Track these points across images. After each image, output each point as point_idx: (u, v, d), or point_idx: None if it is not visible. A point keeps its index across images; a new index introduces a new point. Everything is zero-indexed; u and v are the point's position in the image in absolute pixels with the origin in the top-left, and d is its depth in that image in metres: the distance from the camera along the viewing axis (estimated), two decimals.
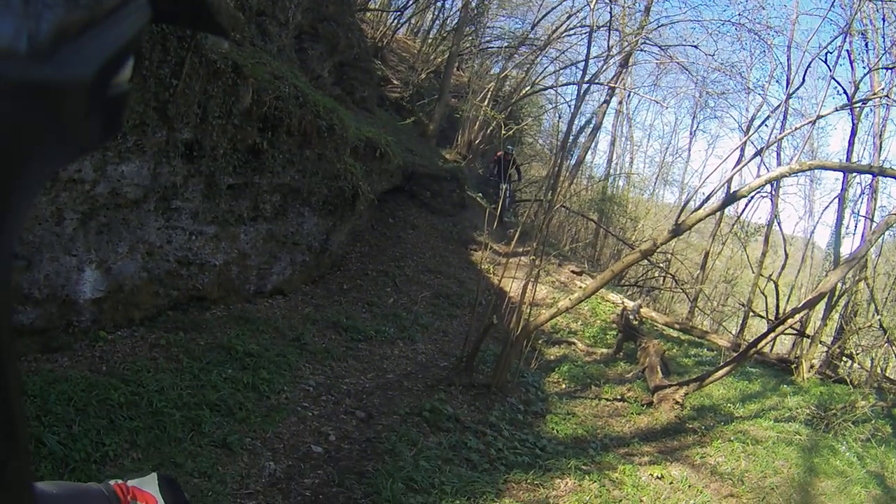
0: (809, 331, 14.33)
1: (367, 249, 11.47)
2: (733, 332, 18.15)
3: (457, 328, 10.01)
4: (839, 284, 12.13)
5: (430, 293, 10.93)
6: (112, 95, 0.37)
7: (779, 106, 15.62)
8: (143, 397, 4.73)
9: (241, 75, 6.16)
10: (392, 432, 5.87)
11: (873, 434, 9.30)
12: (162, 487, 1.28)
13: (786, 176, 8.59)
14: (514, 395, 7.84)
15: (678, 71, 21.57)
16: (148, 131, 5.22)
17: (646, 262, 13.95)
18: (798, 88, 15.03)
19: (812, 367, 12.97)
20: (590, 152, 24.31)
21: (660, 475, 6.62)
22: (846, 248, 18.09)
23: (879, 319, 12.77)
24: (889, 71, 13.93)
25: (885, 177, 8.68)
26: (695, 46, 18.05)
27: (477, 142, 18.19)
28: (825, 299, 12.27)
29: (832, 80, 12.43)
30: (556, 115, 25.56)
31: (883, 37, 14.57)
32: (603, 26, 17.73)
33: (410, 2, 19.99)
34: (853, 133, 15.84)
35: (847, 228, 17.95)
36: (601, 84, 18.69)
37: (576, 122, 18.59)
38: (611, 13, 17.62)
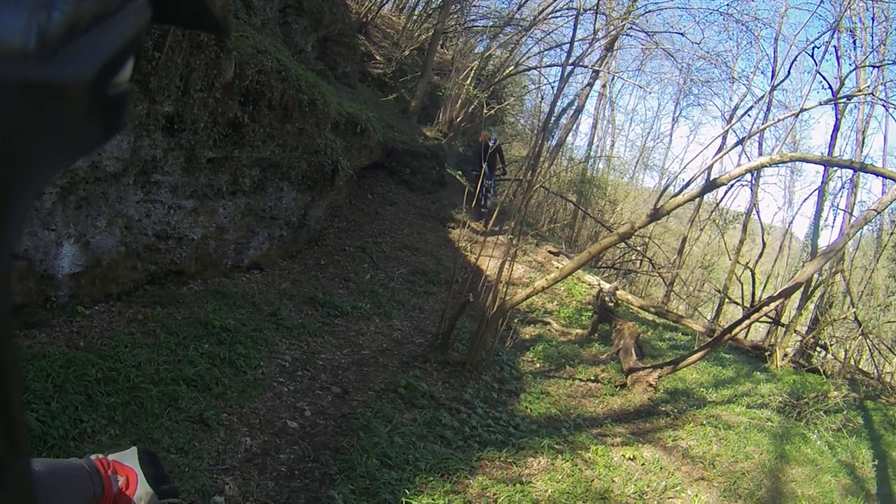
0: (784, 320, 14.63)
1: (345, 225, 11.45)
2: (708, 317, 18.44)
3: (433, 305, 10.06)
4: (816, 275, 12.37)
5: (406, 270, 10.96)
6: (112, 95, 0.38)
7: (763, 97, 15.77)
8: (120, 373, 4.73)
9: (223, 49, 6.09)
10: (367, 408, 5.92)
11: (845, 424, 9.52)
12: (142, 461, 1.30)
13: (767, 166, 8.69)
14: (489, 373, 7.91)
15: (663, 57, 21.49)
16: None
17: (623, 244, 14.04)
18: (783, 81, 15.16)
19: (786, 355, 13.25)
20: (571, 134, 24.31)
21: (632, 456, 6.75)
22: (824, 240, 18.42)
23: (855, 312, 13.04)
24: (875, 69, 14.08)
25: (866, 173, 8.81)
26: (681, 34, 18.07)
27: (458, 120, 18.11)
28: (801, 289, 12.49)
29: (818, 75, 12.54)
30: (540, 95, 25.53)
31: (871, 35, 14.75)
32: (590, 9, 17.66)
33: None
34: (836, 128, 16.08)
35: (826, 221, 18.30)
36: (585, 67, 18.70)
37: (558, 103, 18.56)
38: None
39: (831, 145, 16.35)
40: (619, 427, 7.66)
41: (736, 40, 20.57)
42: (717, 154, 10.71)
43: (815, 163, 10.15)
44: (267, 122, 7.27)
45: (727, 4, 17.91)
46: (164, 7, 0.42)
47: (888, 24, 14.57)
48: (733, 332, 9.47)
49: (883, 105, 13.99)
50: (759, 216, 17.93)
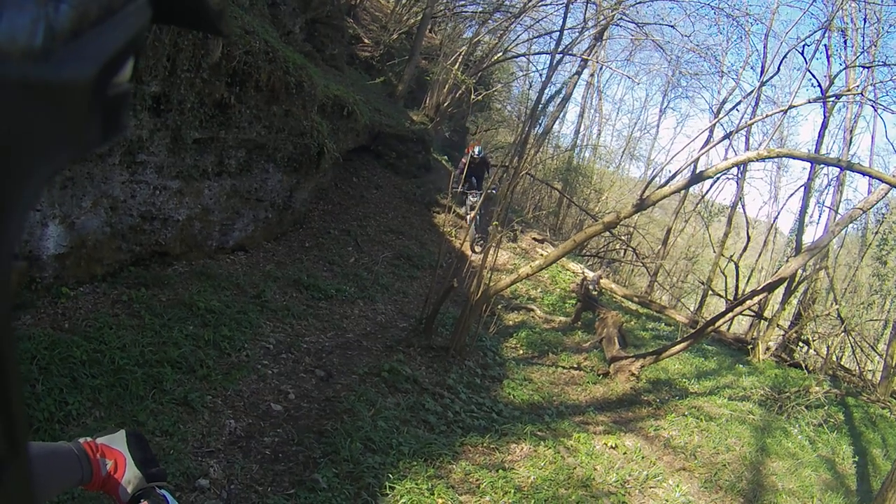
0: (767, 314, 14.79)
1: (331, 208, 11.41)
2: (691, 308, 18.59)
3: (417, 290, 10.08)
4: (800, 271, 12.48)
5: (391, 254, 10.96)
6: (112, 95, 0.37)
7: (752, 92, 15.84)
8: (105, 355, 4.71)
9: None
10: (351, 392, 5.94)
11: (826, 420, 9.67)
12: (130, 444, 1.31)
13: (753, 161, 8.75)
14: (472, 358, 7.95)
15: (652, 48, 21.58)
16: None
17: (608, 233, 14.12)
18: (772, 77, 15.24)
19: (768, 349, 13.41)
20: (557, 122, 24.35)
21: (614, 445, 6.82)
22: (809, 236, 18.65)
23: (838, 309, 13.19)
24: (865, 70, 14.17)
25: (853, 171, 8.90)
26: (671, 26, 18.07)
27: (445, 105, 18.06)
28: (785, 284, 12.61)
29: (807, 73, 12.62)
30: (528, 83, 25.53)
31: (863, 36, 14.85)
32: None
33: None
34: (824, 126, 16.19)
35: (811, 217, 18.42)
36: (574, 55, 18.67)
37: (546, 91, 18.56)
38: None
39: (818, 143, 16.47)
40: (601, 415, 7.73)
41: (726, 34, 20.68)
42: (704, 147, 10.77)
43: (803, 159, 10.24)
44: (253, 104, 7.21)
45: None
46: (164, 7, 0.42)
47: (879, 26, 14.67)
48: (716, 324, 9.58)
49: (871, 105, 14.13)
50: (744, 210, 18.08)
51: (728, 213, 20.02)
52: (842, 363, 14.39)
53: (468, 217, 12.08)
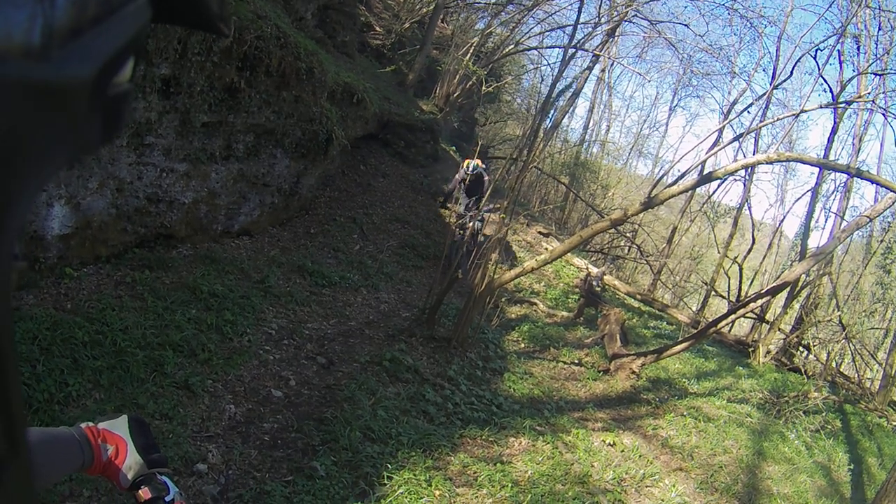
0: (769, 317, 14.78)
1: (337, 195, 11.39)
2: (693, 308, 18.59)
3: (421, 279, 10.07)
4: (803, 276, 12.46)
5: (396, 243, 10.94)
6: (112, 95, 0.37)
7: (764, 94, 15.81)
8: (107, 336, 4.71)
9: None
10: (352, 380, 5.95)
11: (823, 426, 9.67)
12: (131, 429, 1.31)
13: (763, 164, 8.70)
14: (474, 350, 7.95)
15: (665, 46, 21.46)
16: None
17: (613, 230, 14.12)
18: (785, 80, 15.18)
19: (768, 352, 13.42)
20: (567, 116, 24.28)
21: (612, 442, 6.83)
22: (814, 241, 18.59)
23: (839, 315, 13.18)
24: (877, 77, 14.12)
25: (861, 179, 8.86)
26: (685, 25, 18.03)
27: (455, 95, 18.01)
28: (788, 288, 12.60)
29: (820, 78, 12.58)
30: (539, 76, 25.49)
31: (876, 43, 14.82)
32: None
33: None
34: (833, 131, 16.17)
35: (816, 222, 18.42)
36: (586, 51, 18.60)
37: (557, 85, 18.50)
38: None
39: (828, 148, 16.44)
40: (600, 412, 7.74)
41: (739, 35, 20.58)
42: (713, 147, 10.73)
43: (813, 164, 10.19)
44: (263, 89, 7.20)
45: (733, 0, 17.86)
46: (164, 6, 0.42)
47: (893, 35, 14.61)
48: (718, 326, 9.56)
49: (882, 113, 14.04)
50: (750, 212, 18.01)
51: (734, 215, 19.98)
52: (841, 370, 14.41)
53: (459, 235, 10.52)
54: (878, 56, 14.68)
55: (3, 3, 0.29)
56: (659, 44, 21.56)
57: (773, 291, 9.83)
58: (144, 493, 1.30)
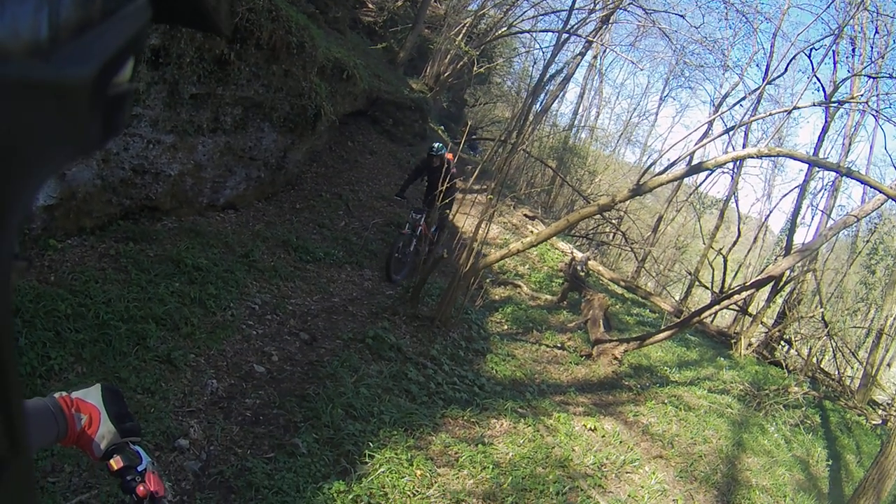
0: (752, 310, 14.91)
1: (324, 171, 11.34)
2: (677, 297, 18.72)
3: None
4: (788, 271, 12.59)
5: (381, 220, 10.92)
6: (113, 95, 0.37)
7: (758, 89, 15.86)
8: (89, 309, 4.67)
9: None
10: (335, 357, 5.95)
11: (802, 420, 9.83)
12: (105, 398, 1.31)
13: (753, 157, 8.76)
14: (457, 330, 7.98)
15: (658, 36, 21.42)
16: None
17: (599, 216, 14.18)
18: (779, 77, 15.26)
19: (750, 344, 13.59)
20: (557, 101, 24.26)
21: (593, 427, 6.88)
22: (799, 238, 18.79)
23: (822, 312, 13.35)
24: (870, 79, 14.21)
25: (851, 178, 8.93)
26: (681, 15, 18.00)
27: (446, 75, 17.95)
28: (772, 283, 12.73)
29: (814, 77, 12.65)
30: (531, 59, 25.44)
31: (871, 46, 14.91)
32: None
33: None
34: (824, 130, 16.31)
35: (803, 219, 18.59)
36: (580, 36, 18.54)
37: (550, 69, 18.47)
38: None
39: (817, 146, 16.56)
40: (582, 397, 7.79)
41: (734, 29, 20.57)
42: (703, 139, 10.77)
43: (803, 161, 10.25)
44: (253, 62, 7.12)
45: None
46: (164, 6, 0.42)
47: (889, 39, 14.70)
48: (702, 316, 9.63)
49: (873, 115, 14.17)
50: (737, 205, 18.14)
51: (721, 207, 20.10)
52: (822, 366, 14.59)
53: (403, 233, 9.01)
54: (873, 59, 14.78)
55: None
56: (653, 33, 21.54)
57: (758, 284, 9.92)
58: (116, 461, 1.31)
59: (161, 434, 4.00)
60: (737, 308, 13.97)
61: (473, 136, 20.31)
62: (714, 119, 17.39)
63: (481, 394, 6.65)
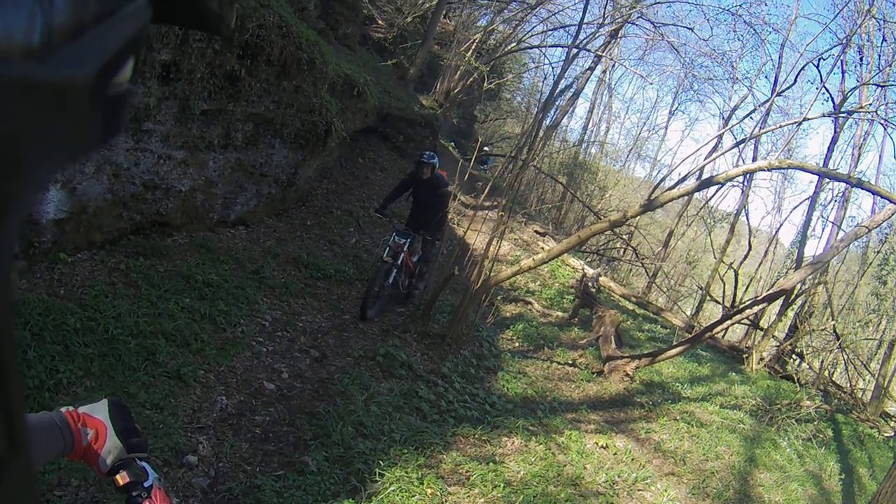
0: (763, 324, 14.78)
1: (334, 187, 11.34)
2: (688, 312, 18.60)
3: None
4: (799, 284, 12.50)
5: None
6: (112, 95, 0.37)
7: (767, 101, 15.83)
8: (99, 323, 4.65)
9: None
10: (345, 374, 5.91)
11: (815, 435, 9.69)
12: (112, 413, 1.30)
13: (764, 170, 8.71)
14: (468, 348, 7.93)
15: (667, 49, 21.48)
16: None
17: (610, 231, 14.15)
18: (788, 88, 15.24)
19: (762, 359, 13.44)
20: (567, 116, 24.30)
21: (605, 445, 6.80)
22: (810, 250, 18.66)
23: (834, 325, 13.21)
24: (879, 88, 14.16)
25: (861, 189, 8.86)
26: (689, 28, 18.05)
27: (456, 91, 18.01)
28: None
29: (822, 87, 12.60)
30: (541, 75, 25.57)
31: (879, 54, 14.88)
32: None
33: None
34: (834, 141, 16.24)
35: (813, 231, 18.48)
36: (589, 51, 18.59)
37: (560, 84, 18.50)
38: None
39: (827, 157, 16.52)
40: (593, 414, 7.71)
41: (742, 41, 20.59)
42: (712, 152, 10.73)
43: (813, 173, 10.19)
44: (264, 78, 7.14)
45: (738, 5, 17.88)
46: (164, 6, 0.42)
47: None
48: (713, 332, 9.55)
49: (883, 125, 14.10)
50: (747, 218, 18.03)
51: (731, 221, 20.01)
52: (834, 379, 14.44)
53: (383, 259, 7.66)
54: (881, 67, 14.73)
55: (2, 3, 0.28)
56: (661, 47, 21.62)
57: (770, 299, 9.83)
58: (122, 477, 1.29)
59: (170, 450, 3.96)
60: (748, 322, 13.86)
61: (485, 148, 20.33)
62: (724, 132, 17.37)
63: (492, 412, 6.58)
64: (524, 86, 29.02)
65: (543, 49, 22.07)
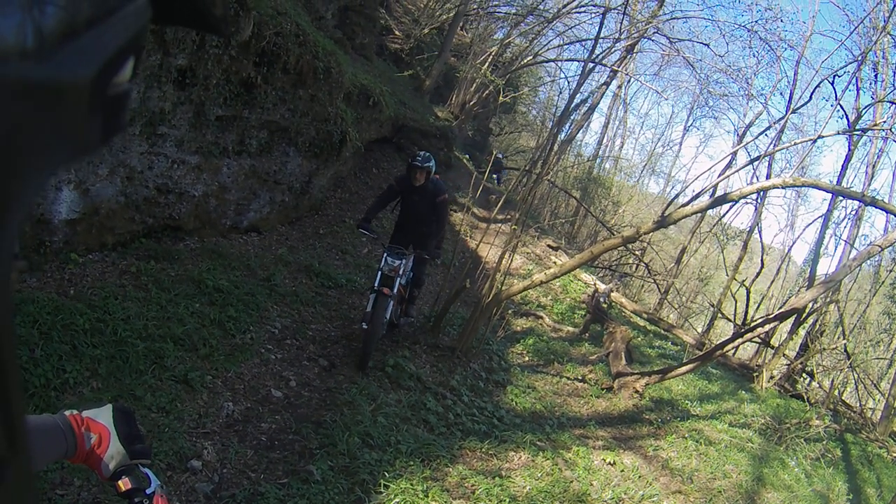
0: (774, 342, 14.66)
1: (348, 196, 11.37)
2: (699, 329, 18.47)
3: (427, 287, 9.98)
4: (811, 303, 12.41)
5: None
6: (112, 95, 0.37)
7: (781, 118, 15.76)
8: (108, 325, 4.65)
9: (243, 6, 5.99)
10: (353, 384, 5.88)
11: (823, 454, 9.58)
12: (116, 419, 1.30)
13: (778, 188, 8.65)
14: (478, 361, 7.88)
15: (682, 65, 21.47)
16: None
17: (622, 247, 14.09)
18: (803, 105, 15.18)
19: (772, 377, 13.34)
20: (581, 131, 24.31)
21: (612, 461, 6.72)
22: (822, 268, 18.52)
23: (845, 344, 13.10)
24: (893, 105, 14.10)
25: (875, 207, 8.78)
26: (705, 44, 18.02)
27: (471, 104, 18.07)
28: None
29: (838, 105, 12.53)
30: (557, 88, 25.64)
31: (894, 72, 14.81)
32: (614, 9, 17.54)
33: None
34: (848, 158, 16.15)
35: (826, 249, 18.34)
36: (605, 65, 18.60)
37: (576, 98, 18.51)
38: None
39: (841, 175, 16.44)
40: (601, 430, 7.64)
41: (758, 58, 20.54)
42: (727, 169, 10.68)
43: (827, 190, 10.12)
44: (280, 86, 7.18)
45: (754, 21, 17.84)
46: (164, 7, 0.43)
47: None
48: (725, 349, 9.46)
49: None
50: (760, 235, 17.92)
51: (744, 238, 19.90)
52: (843, 398, 14.30)
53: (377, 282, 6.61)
54: (895, 85, 14.65)
55: None
56: (677, 62, 21.63)
57: (781, 317, 9.74)
58: (125, 483, 1.29)
59: (174, 454, 3.94)
60: (759, 340, 13.74)
61: (499, 156, 20.32)
62: (738, 149, 17.30)
63: (500, 426, 6.53)
64: (539, 99, 29.15)
65: (559, 63, 22.17)
